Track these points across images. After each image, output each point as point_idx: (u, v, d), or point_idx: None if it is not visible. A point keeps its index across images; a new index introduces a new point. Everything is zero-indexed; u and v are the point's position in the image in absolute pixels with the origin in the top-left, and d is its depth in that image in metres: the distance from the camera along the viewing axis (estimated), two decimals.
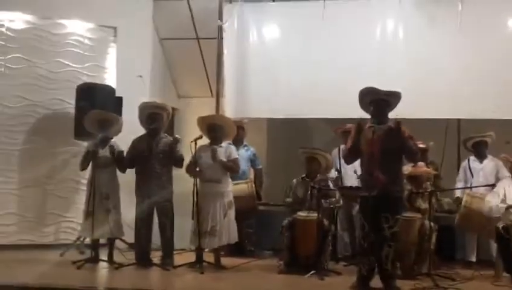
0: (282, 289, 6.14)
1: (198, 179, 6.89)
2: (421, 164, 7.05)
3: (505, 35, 8.03)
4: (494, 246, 6.92)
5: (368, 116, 5.98)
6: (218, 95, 8.84)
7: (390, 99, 5.84)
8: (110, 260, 7.06)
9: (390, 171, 5.68)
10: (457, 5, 8.02)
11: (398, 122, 5.68)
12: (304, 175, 7.34)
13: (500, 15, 8.09)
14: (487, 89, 7.86)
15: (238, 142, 8.11)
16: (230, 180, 7.16)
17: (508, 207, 6.53)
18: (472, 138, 7.87)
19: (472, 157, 7.91)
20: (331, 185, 7.30)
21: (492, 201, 6.71)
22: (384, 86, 5.98)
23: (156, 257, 7.02)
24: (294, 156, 7.62)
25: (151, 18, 8.96)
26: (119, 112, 7.78)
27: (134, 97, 7.78)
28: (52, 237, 8.24)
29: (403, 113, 6.07)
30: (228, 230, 6.92)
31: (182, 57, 9.55)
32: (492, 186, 7.08)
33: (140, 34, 8.78)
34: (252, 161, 8.36)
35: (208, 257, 6.93)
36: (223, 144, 7.14)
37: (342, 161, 7.25)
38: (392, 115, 6.00)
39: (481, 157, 7.83)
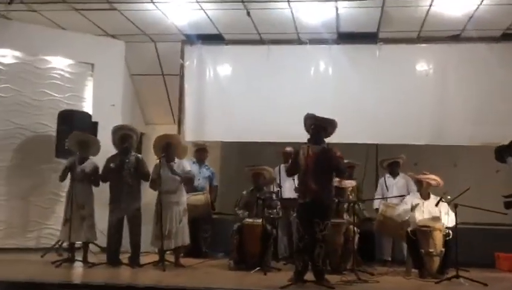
0: (232, 282, 6.08)
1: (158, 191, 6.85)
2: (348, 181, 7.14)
3: (412, 76, 8.51)
4: (405, 247, 7.05)
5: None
6: (179, 122, 8.97)
7: (325, 124, 5.85)
8: (85, 260, 6.94)
9: (322, 183, 5.71)
10: (375, 52, 8.48)
11: (330, 147, 5.79)
12: (252, 188, 7.38)
13: (408, 60, 8.58)
14: (399, 119, 8.25)
15: (201, 161, 8.26)
16: (184, 191, 7.12)
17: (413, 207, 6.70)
18: (387, 160, 8.11)
19: (387, 175, 8.13)
20: (273, 196, 7.39)
21: (400, 208, 6.92)
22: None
23: (124, 258, 6.95)
24: (243, 172, 7.65)
25: (124, 56, 9.00)
26: (95, 135, 7.76)
27: (108, 123, 7.74)
28: (34, 241, 8.12)
29: (334, 138, 6.02)
30: (182, 233, 6.92)
31: (149, 89, 9.61)
32: (403, 197, 7.30)
33: (114, 69, 8.84)
34: (211, 179, 8.34)
35: (169, 257, 6.92)
36: (176, 161, 7.07)
37: (282, 177, 7.54)
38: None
39: (394, 174, 8.06)
